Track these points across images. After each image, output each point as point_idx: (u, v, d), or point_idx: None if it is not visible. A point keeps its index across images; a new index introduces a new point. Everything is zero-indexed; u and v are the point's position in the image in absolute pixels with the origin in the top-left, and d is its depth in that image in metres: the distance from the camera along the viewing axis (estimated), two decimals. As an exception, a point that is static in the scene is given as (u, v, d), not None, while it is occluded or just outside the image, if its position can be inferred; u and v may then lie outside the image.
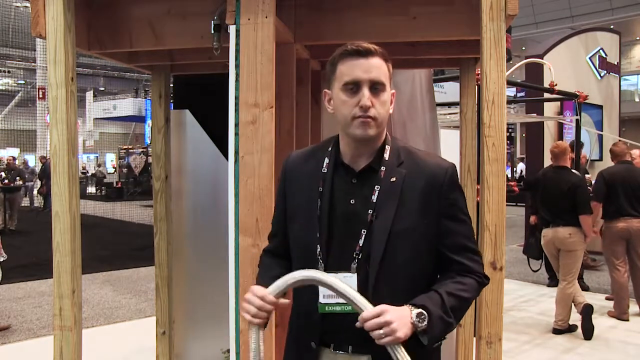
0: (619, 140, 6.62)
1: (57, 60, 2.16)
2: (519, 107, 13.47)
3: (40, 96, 18.63)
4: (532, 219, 5.92)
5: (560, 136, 8.26)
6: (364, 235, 1.33)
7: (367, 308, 1.20)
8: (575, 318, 4.79)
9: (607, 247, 5.28)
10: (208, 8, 2.30)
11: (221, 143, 3.09)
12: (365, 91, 1.30)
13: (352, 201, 1.36)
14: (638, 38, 26.00)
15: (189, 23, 2.39)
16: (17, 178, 12.15)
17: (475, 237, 1.51)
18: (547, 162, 6.05)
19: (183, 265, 3.38)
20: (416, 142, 3.21)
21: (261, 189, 2.01)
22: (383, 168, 1.36)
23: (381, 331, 1.18)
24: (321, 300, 1.33)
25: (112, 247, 9.60)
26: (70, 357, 2.20)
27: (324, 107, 1.72)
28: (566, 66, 8.38)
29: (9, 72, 26.40)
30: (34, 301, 5.97)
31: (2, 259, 5.03)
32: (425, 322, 1.22)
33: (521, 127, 18.35)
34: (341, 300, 1.27)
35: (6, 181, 11.62)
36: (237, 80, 2.06)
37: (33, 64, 21.69)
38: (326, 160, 1.41)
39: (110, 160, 27.12)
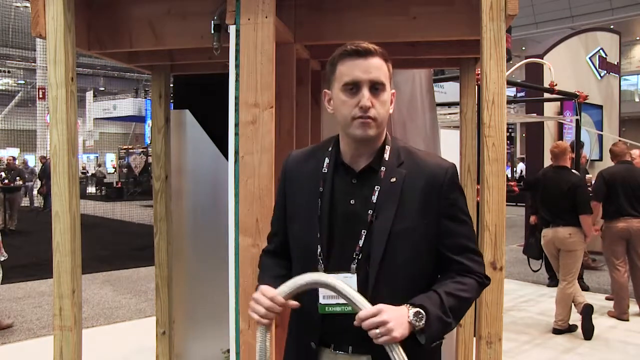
0: (619, 140, 6.62)
1: (57, 60, 2.16)
2: (519, 107, 13.47)
3: (40, 96, 18.63)
4: (532, 219, 5.92)
5: (560, 136, 8.26)
6: (363, 236, 1.32)
7: (365, 307, 1.21)
8: (575, 318, 4.79)
9: (607, 247, 5.28)
10: (208, 8, 2.30)
11: (221, 143, 3.09)
12: (365, 92, 1.30)
13: (352, 201, 1.36)
14: (638, 38, 26.00)
15: (189, 23, 2.39)
16: (17, 178, 12.15)
17: (476, 237, 1.50)
18: (547, 162, 6.05)
19: (183, 265, 3.38)
20: (416, 142, 3.21)
21: (261, 189, 2.01)
22: (383, 168, 1.36)
23: (377, 330, 1.18)
24: (321, 300, 1.33)
25: (112, 247, 9.60)
26: (70, 357, 2.20)
27: (324, 107, 1.72)
28: (566, 66, 8.38)
29: (9, 72, 26.40)
30: (34, 301, 5.97)
31: (3, 258, 5.04)
32: (423, 322, 1.22)
33: (521, 127, 18.35)
34: (341, 301, 1.28)
35: (6, 181, 11.62)
36: (237, 80, 2.06)
37: (33, 64, 21.68)
38: (326, 160, 1.41)
39: (110, 160, 27.12)
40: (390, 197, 1.33)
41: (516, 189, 5.64)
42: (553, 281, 6.20)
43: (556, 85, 6.40)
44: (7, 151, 20.57)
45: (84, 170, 23.08)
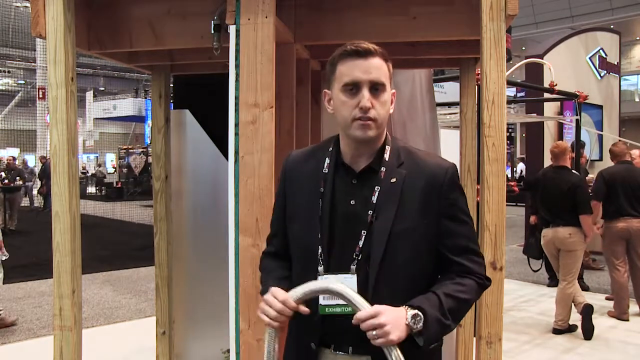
0: (619, 140, 6.62)
1: (57, 60, 2.16)
2: (519, 107, 13.46)
3: (40, 96, 18.64)
4: (532, 218, 5.92)
5: (560, 136, 8.26)
6: (363, 236, 1.32)
7: (361, 305, 1.21)
8: (575, 318, 4.79)
9: (607, 247, 5.28)
10: (208, 8, 2.30)
11: (221, 143, 3.09)
12: (365, 92, 1.30)
13: (352, 202, 1.35)
14: (638, 38, 26.00)
15: (189, 23, 2.39)
16: (17, 178, 12.16)
17: (476, 237, 1.50)
18: (547, 162, 6.05)
19: (183, 265, 3.38)
20: (416, 142, 3.21)
21: (261, 189, 2.01)
22: (383, 169, 1.35)
23: (374, 332, 1.19)
24: (321, 301, 1.33)
25: (112, 247, 9.60)
26: (70, 357, 2.20)
27: (324, 107, 1.72)
28: (566, 66, 8.38)
29: (9, 72, 26.41)
30: (34, 301, 5.97)
31: (4, 258, 5.05)
32: (421, 325, 1.22)
33: (521, 127, 18.35)
34: (341, 302, 1.28)
35: (6, 181, 11.63)
36: (237, 80, 2.06)
37: (33, 64, 21.70)
38: (327, 160, 1.41)
39: (110, 160, 27.13)
40: (390, 198, 1.33)
41: (516, 189, 5.64)
42: (553, 281, 6.20)
43: (556, 85, 6.40)
44: (7, 151, 20.58)
45: (84, 170, 23.08)
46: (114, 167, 25.83)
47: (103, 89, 29.51)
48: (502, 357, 1.92)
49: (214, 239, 3.14)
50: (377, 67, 1.31)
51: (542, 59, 7.86)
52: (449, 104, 6.94)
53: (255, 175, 2.02)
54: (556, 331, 4.79)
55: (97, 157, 27.10)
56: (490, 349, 1.89)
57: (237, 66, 2.06)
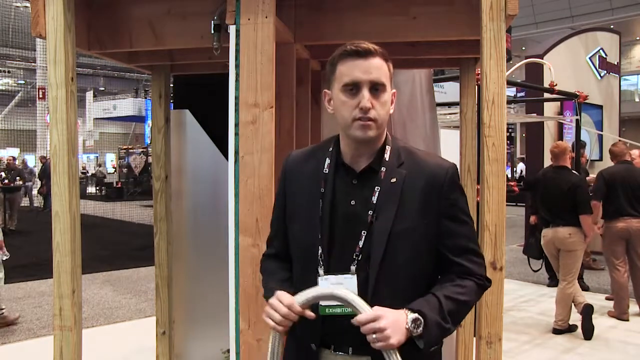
0: (619, 140, 6.62)
1: (57, 60, 2.16)
2: (519, 107, 13.46)
3: (40, 96, 18.66)
4: (532, 218, 5.92)
5: (560, 136, 8.26)
6: (363, 237, 1.32)
7: (365, 311, 1.21)
8: (575, 318, 4.79)
9: (607, 247, 5.28)
10: (208, 8, 2.30)
11: (221, 143, 3.09)
12: (365, 92, 1.30)
13: (352, 202, 1.35)
14: (638, 38, 26.00)
15: (189, 23, 2.39)
16: (17, 178, 12.16)
17: (477, 237, 1.50)
18: (547, 162, 6.05)
19: (183, 265, 3.38)
20: (416, 142, 3.21)
21: (261, 189, 2.01)
22: (383, 169, 1.35)
23: (374, 336, 1.19)
24: (322, 302, 1.33)
25: (112, 247, 9.60)
26: (70, 357, 2.20)
27: (324, 107, 1.72)
28: (566, 66, 8.37)
29: (9, 72, 26.41)
30: (34, 301, 5.97)
31: (5, 258, 5.06)
32: (421, 328, 1.22)
33: (521, 127, 18.34)
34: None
35: (6, 181, 11.63)
36: (237, 80, 2.06)
37: (33, 64, 21.71)
38: (327, 160, 1.40)
39: (110, 160, 27.13)
40: (391, 198, 1.33)
41: (516, 189, 5.64)
42: (553, 281, 6.20)
43: (556, 85, 6.40)
44: (7, 151, 20.58)
45: (84, 170, 23.09)
46: (114, 167, 25.83)
47: (103, 89, 29.52)
48: (502, 357, 1.92)
49: (214, 239, 3.14)
50: (377, 67, 1.31)
51: (542, 59, 7.86)
52: (449, 104, 6.94)
53: (255, 175, 2.02)
54: (556, 331, 4.79)
55: (97, 157, 27.10)
56: (490, 349, 1.89)
57: (237, 66, 2.06)
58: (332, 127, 2.79)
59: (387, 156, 1.37)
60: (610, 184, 5.20)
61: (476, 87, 3.02)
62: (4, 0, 21.38)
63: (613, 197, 5.17)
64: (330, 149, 1.42)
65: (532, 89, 7.90)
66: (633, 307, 5.26)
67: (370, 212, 1.32)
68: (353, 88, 1.31)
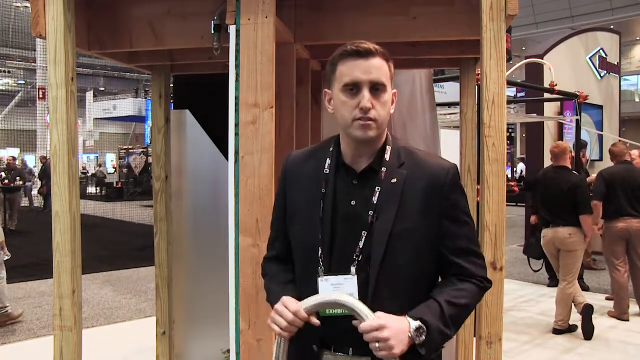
0: (619, 141, 6.62)
1: (57, 60, 2.16)
2: (519, 107, 13.46)
3: (40, 96, 18.66)
4: (533, 218, 5.92)
5: (560, 136, 8.26)
6: (364, 237, 1.32)
7: (368, 318, 1.21)
8: (575, 318, 4.79)
9: (607, 247, 5.28)
10: (208, 8, 2.30)
11: (221, 143, 3.10)
12: (365, 92, 1.29)
13: (352, 202, 1.35)
14: (638, 38, 26.00)
15: (189, 23, 2.39)
16: (17, 178, 12.16)
17: (477, 238, 1.50)
18: (547, 162, 6.05)
19: (183, 265, 3.38)
20: (416, 142, 3.21)
21: (261, 189, 2.01)
22: (384, 169, 1.35)
23: (377, 345, 1.20)
24: None
25: (112, 247, 9.60)
26: (70, 357, 2.20)
27: (324, 107, 1.72)
28: (566, 66, 8.37)
29: (9, 72, 26.42)
30: (34, 301, 5.97)
31: (6, 258, 5.08)
32: (423, 337, 1.23)
33: (521, 127, 18.34)
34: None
35: (6, 181, 11.63)
36: (237, 80, 2.06)
37: (33, 64, 21.71)
38: (328, 160, 1.40)
39: (110, 160, 27.13)
40: (391, 198, 1.32)
41: (516, 189, 5.65)
42: (553, 281, 6.20)
43: (556, 85, 6.40)
44: (7, 151, 20.58)
45: (84, 170, 23.09)
46: (114, 167, 25.83)
47: (103, 89, 29.52)
48: (502, 357, 1.92)
49: (214, 239, 3.14)
50: (377, 67, 1.31)
51: (542, 59, 7.86)
52: (449, 104, 6.94)
53: (255, 175, 2.02)
54: (556, 331, 4.79)
55: (97, 157, 27.10)
56: (490, 349, 1.89)
57: (237, 66, 2.06)
58: (332, 127, 2.79)
59: (387, 156, 1.36)
60: (610, 184, 5.20)
61: (476, 87, 3.02)
62: (4, 0, 21.38)
63: (613, 197, 5.17)
64: (331, 149, 1.41)
65: (532, 89, 7.90)
66: (633, 307, 5.26)
67: (370, 213, 1.32)
68: (353, 88, 1.31)
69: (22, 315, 5.24)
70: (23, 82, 26.19)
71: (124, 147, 23.68)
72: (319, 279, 1.33)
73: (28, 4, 2.49)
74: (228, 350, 2.24)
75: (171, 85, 3.54)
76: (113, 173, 24.83)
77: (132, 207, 16.03)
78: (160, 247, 3.30)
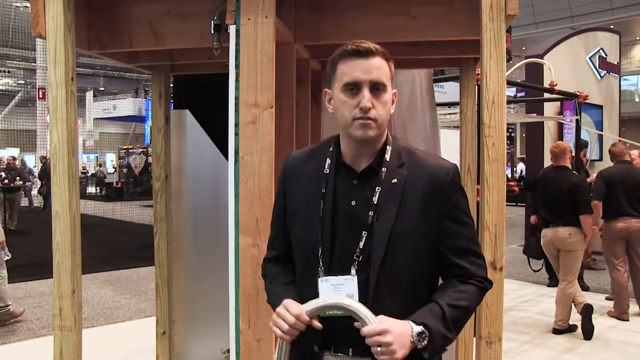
0: (619, 141, 6.62)
1: (57, 60, 2.16)
2: (519, 107, 13.46)
3: (40, 96, 18.66)
4: (533, 218, 5.92)
5: (560, 136, 8.25)
6: (364, 237, 1.32)
7: (371, 322, 1.22)
8: (575, 318, 4.79)
9: (607, 247, 5.28)
10: (208, 8, 2.30)
11: (221, 143, 3.10)
12: (366, 92, 1.29)
13: (352, 202, 1.35)
14: (638, 38, 26.00)
15: (189, 23, 2.39)
16: (17, 178, 12.16)
17: (477, 238, 1.50)
18: (547, 162, 6.05)
19: (183, 265, 3.38)
20: (416, 142, 3.21)
21: (261, 189, 2.01)
22: (384, 169, 1.35)
23: (379, 349, 1.20)
24: None
25: (112, 247, 9.60)
26: (70, 357, 2.20)
27: (324, 107, 1.72)
28: (566, 66, 8.37)
29: (9, 72, 26.42)
30: (34, 301, 5.97)
31: (7, 258, 5.10)
32: (426, 341, 1.23)
33: (521, 127, 18.34)
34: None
35: (6, 181, 11.63)
36: (237, 80, 2.06)
37: (33, 64, 21.72)
38: (328, 160, 1.40)
39: (110, 160, 27.13)
40: (391, 198, 1.32)
41: (516, 189, 5.65)
42: (553, 281, 6.20)
43: (556, 85, 6.40)
44: (7, 151, 20.58)
45: (84, 170, 23.09)
46: (114, 167, 25.83)
47: (103, 89, 29.53)
48: (502, 357, 1.92)
49: (214, 239, 3.14)
50: (377, 67, 1.30)
51: (542, 59, 7.86)
52: (449, 104, 6.94)
53: (255, 175, 2.02)
54: (556, 331, 4.79)
55: (97, 157, 27.10)
56: (490, 349, 1.89)
57: (237, 66, 2.06)
58: (332, 127, 2.79)
59: (387, 156, 1.36)
60: (610, 184, 5.21)
61: (476, 87, 3.02)
62: (4, 0, 21.38)
63: (613, 197, 5.17)
64: (331, 149, 1.41)
65: (532, 89, 7.90)
66: (633, 307, 5.26)
67: (371, 213, 1.32)
68: (353, 88, 1.31)
69: (23, 314, 5.26)
70: (23, 82, 26.20)
71: (124, 147, 23.68)
72: (319, 279, 1.33)
73: (28, 4, 2.49)
74: (228, 350, 2.24)
75: (171, 85, 3.54)
76: (113, 173, 24.84)
77: (132, 207, 16.03)
78: (160, 247, 3.30)
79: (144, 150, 21.25)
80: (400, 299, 1.29)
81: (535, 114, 8.19)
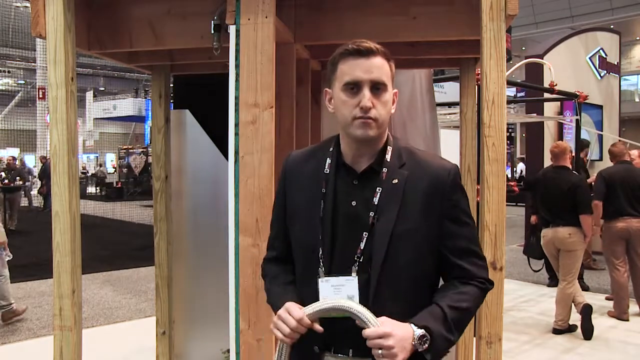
0: (619, 141, 6.62)
1: (57, 60, 2.16)
2: (519, 107, 13.45)
3: (40, 96, 18.67)
4: (533, 218, 5.92)
5: (560, 136, 8.25)
6: (365, 238, 1.31)
7: (373, 325, 1.22)
8: (575, 318, 4.79)
9: (607, 247, 5.28)
10: (208, 8, 2.30)
11: (221, 143, 3.10)
12: (366, 92, 1.29)
13: (353, 203, 1.34)
14: (638, 38, 26.00)
15: (189, 23, 2.39)
16: (17, 178, 12.16)
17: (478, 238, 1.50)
18: (547, 162, 6.05)
19: (183, 265, 3.38)
20: (416, 142, 3.21)
21: (261, 189, 2.01)
22: (384, 169, 1.34)
23: (380, 352, 1.20)
24: None
25: (112, 247, 9.60)
26: (70, 357, 2.20)
27: (324, 107, 1.72)
28: (566, 66, 8.37)
29: (9, 72, 26.43)
30: (34, 301, 5.97)
31: (8, 258, 5.11)
32: (427, 345, 1.23)
33: (521, 127, 18.35)
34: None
35: (6, 181, 11.63)
36: (237, 80, 2.06)
37: (33, 64, 21.72)
38: (328, 160, 1.39)
39: (110, 160, 27.14)
40: (392, 199, 1.32)
41: (516, 189, 5.64)
42: (553, 281, 6.20)
43: (556, 85, 6.39)
44: (7, 151, 20.58)
45: (84, 170, 23.09)
46: (114, 167, 25.84)
47: (103, 89, 29.53)
48: (502, 357, 1.92)
49: (214, 239, 3.14)
50: (378, 67, 1.30)
51: (542, 59, 7.86)
52: (449, 104, 6.94)
53: (255, 175, 2.02)
54: (556, 331, 4.79)
55: (97, 157, 27.10)
56: (490, 349, 1.89)
57: (237, 66, 2.06)
58: (332, 127, 2.80)
59: (388, 157, 1.36)
60: (610, 184, 5.21)
61: (476, 87, 3.02)
62: (4, 0, 21.38)
63: (613, 197, 5.17)
64: (331, 149, 1.41)
65: (532, 89, 7.89)
66: (633, 307, 5.26)
67: (371, 214, 1.31)
68: (354, 87, 1.30)
69: (26, 311, 5.30)
70: (23, 82, 26.20)
71: (124, 147, 23.68)
72: (320, 280, 1.33)
73: (28, 4, 2.49)
74: (228, 350, 2.24)
75: (171, 85, 3.54)
76: (113, 173, 24.84)
77: (132, 207, 16.03)
78: (160, 247, 3.30)
79: (144, 150, 21.25)
80: (401, 299, 1.29)
81: (535, 114, 8.19)
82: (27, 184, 14.93)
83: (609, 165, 5.57)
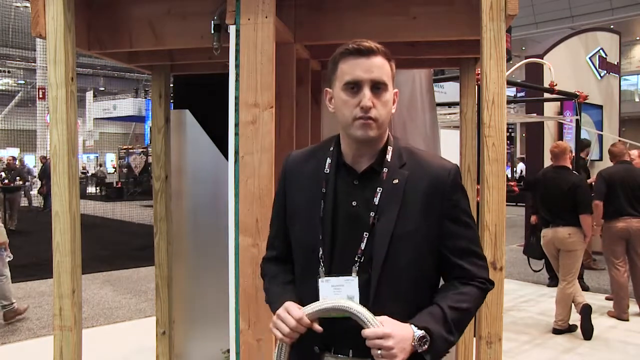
0: (619, 141, 6.62)
1: (57, 60, 2.16)
2: (519, 107, 13.46)
3: (40, 96, 18.68)
4: (533, 218, 5.92)
5: (560, 136, 8.25)
6: (365, 238, 1.31)
7: (373, 325, 1.22)
8: (575, 318, 4.79)
9: (607, 247, 5.29)
10: (208, 8, 2.30)
11: (221, 143, 3.10)
12: (367, 91, 1.29)
13: (353, 203, 1.34)
14: (638, 38, 26.00)
15: (189, 23, 2.39)
16: (17, 178, 12.16)
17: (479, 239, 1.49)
18: (547, 162, 6.05)
19: (183, 265, 3.38)
20: (416, 142, 3.21)
21: (261, 189, 2.01)
22: (385, 169, 1.34)
23: (379, 352, 1.20)
24: None
25: (112, 247, 9.60)
26: (70, 357, 2.20)
27: (324, 106, 1.72)
28: (566, 66, 8.37)
29: (9, 72, 26.43)
30: (34, 301, 5.97)
31: (9, 259, 5.11)
32: (426, 346, 1.23)
33: (521, 127, 18.35)
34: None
35: (6, 181, 11.63)
36: (237, 80, 2.06)
37: (33, 64, 21.73)
38: (328, 160, 1.39)
39: (110, 160, 27.14)
40: (393, 199, 1.32)
41: (516, 189, 5.65)
42: (553, 281, 6.20)
43: (556, 85, 6.39)
44: (7, 151, 20.58)
45: (84, 170, 23.09)
46: (114, 167, 25.84)
47: (103, 89, 29.54)
48: (502, 357, 1.92)
49: (214, 239, 3.14)
50: (379, 66, 1.30)
51: (542, 59, 7.86)
52: (449, 104, 6.94)
53: (255, 175, 2.02)
54: (556, 331, 4.79)
55: (97, 157, 27.11)
56: (490, 349, 1.89)
57: (237, 66, 2.06)
58: (332, 127, 2.80)
59: (388, 157, 1.35)
60: (610, 184, 5.21)
61: (476, 87, 3.02)
62: (4, 0, 21.39)
63: (613, 197, 5.18)
64: (331, 148, 1.41)
65: (532, 89, 7.89)
66: (633, 307, 5.26)
67: (372, 214, 1.31)
68: (354, 87, 1.30)
69: (27, 309, 5.33)
70: (23, 82, 26.21)
71: (124, 147, 23.68)
72: (320, 280, 1.32)
73: (28, 4, 2.49)
74: (228, 350, 2.24)
75: (171, 85, 3.54)
76: (113, 173, 24.84)
77: (132, 207, 16.03)
78: (160, 247, 3.30)
79: (144, 150, 21.25)
80: (401, 299, 1.29)
81: (535, 114, 8.18)
82: (27, 184, 14.94)
83: (609, 165, 5.57)
